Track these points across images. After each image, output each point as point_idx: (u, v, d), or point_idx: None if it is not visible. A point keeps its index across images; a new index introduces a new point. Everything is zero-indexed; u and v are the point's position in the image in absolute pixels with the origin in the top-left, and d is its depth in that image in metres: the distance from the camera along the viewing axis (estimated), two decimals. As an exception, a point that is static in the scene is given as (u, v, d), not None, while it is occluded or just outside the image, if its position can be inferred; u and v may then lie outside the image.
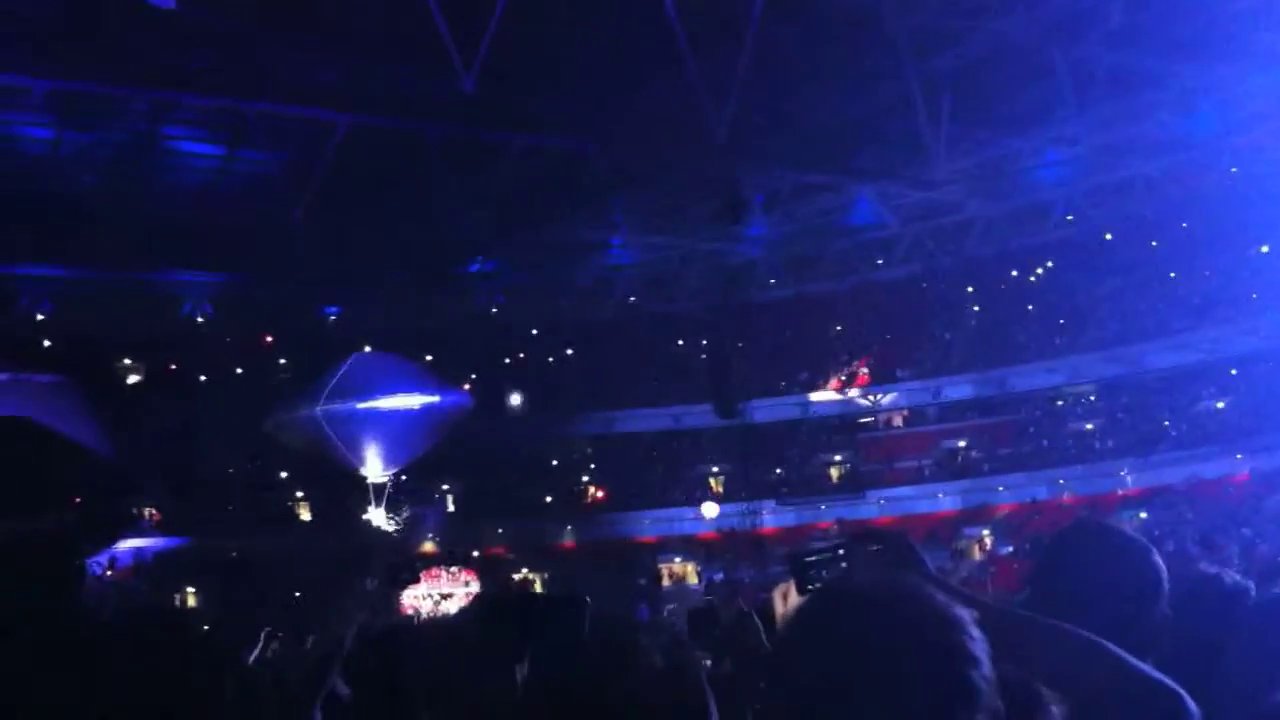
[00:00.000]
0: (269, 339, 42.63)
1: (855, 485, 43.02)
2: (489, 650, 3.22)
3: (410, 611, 28.51)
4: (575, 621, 3.20)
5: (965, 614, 1.44)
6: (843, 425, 45.15)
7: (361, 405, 32.50)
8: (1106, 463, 39.03)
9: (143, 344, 39.48)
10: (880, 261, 45.29)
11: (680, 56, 22.11)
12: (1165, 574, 2.63)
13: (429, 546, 37.32)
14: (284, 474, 39.49)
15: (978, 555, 38.53)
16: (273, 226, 30.24)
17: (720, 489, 44.01)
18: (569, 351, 46.52)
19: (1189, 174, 37.23)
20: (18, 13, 21.83)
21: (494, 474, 39.57)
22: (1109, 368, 40.41)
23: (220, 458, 36.68)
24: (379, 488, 34.75)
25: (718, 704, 3.42)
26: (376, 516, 34.99)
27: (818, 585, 2.00)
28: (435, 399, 33.92)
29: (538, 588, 36.98)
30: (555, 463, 44.04)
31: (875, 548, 2.07)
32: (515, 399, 43.74)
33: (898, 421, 45.47)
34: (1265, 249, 37.87)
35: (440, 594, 31.83)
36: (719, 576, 39.29)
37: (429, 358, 38.30)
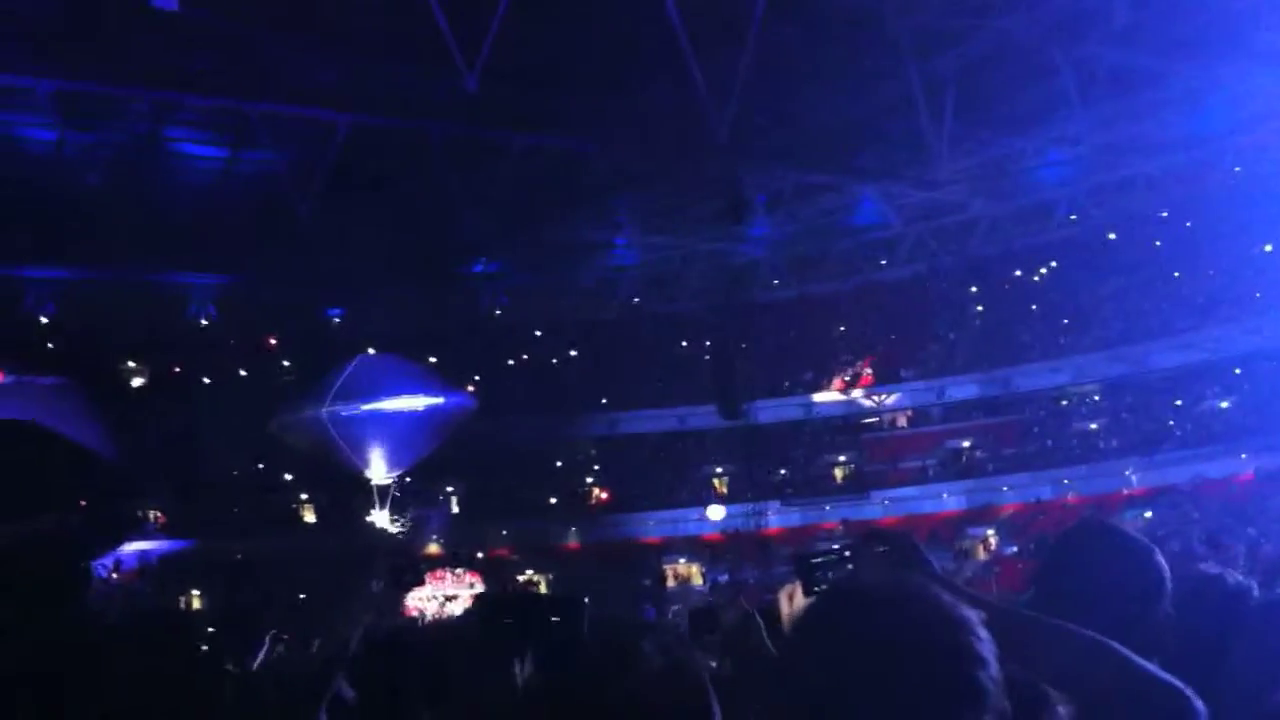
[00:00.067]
0: (273, 341, 42.66)
1: (860, 486, 43.00)
2: (488, 650, 3.23)
3: (415, 613, 28.51)
4: (574, 621, 3.20)
5: (972, 615, 1.44)
6: (847, 426, 45.12)
7: (365, 407, 32.49)
8: (1111, 462, 38.98)
9: (147, 346, 39.51)
10: (884, 261, 45.29)
11: (682, 57, 22.11)
12: (1168, 574, 2.64)
13: (433, 548, 37.33)
14: (288, 476, 39.50)
15: (982, 555, 38.50)
16: (277, 227, 30.25)
17: (725, 490, 44.02)
18: (573, 353, 46.52)
19: (1192, 173, 37.21)
20: (20, 13, 21.86)
21: (498, 475, 39.55)
22: (1113, 367, 40.36)
23: (224, 460, 36.65)
24: (383, 490, 34.75)
25: (721, 705, 3.41)
26: (381, 519, 34.99)
27: (824, 587, 2.00)
28: (439, 401, 33.91)
29: (542, 589, 37.00)
30: (559, 464, 44.02)
31: (881, 549, 2.07)
32: (519, 400, 43.78)
33: (902, 422, 45.44)
34: (1269, 248, 37.83)
35: (445, 596, 31.85)
36: (724, 577, 39.29)
37: (432, 359, 38.29)
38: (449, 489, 40.86)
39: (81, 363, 33.55)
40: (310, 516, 39.83)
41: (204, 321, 41.29)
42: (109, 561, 32.22)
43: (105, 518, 32.95)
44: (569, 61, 23.32)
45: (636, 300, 47.17)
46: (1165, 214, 40.57)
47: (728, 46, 22.33)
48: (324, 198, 28.69)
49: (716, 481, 44.58)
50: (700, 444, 45.14)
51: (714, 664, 4.74)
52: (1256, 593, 3.13)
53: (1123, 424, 40.82)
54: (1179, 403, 39.85)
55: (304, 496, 39.93)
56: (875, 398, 44.43)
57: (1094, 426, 41.56)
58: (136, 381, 40.48)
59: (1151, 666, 1.87)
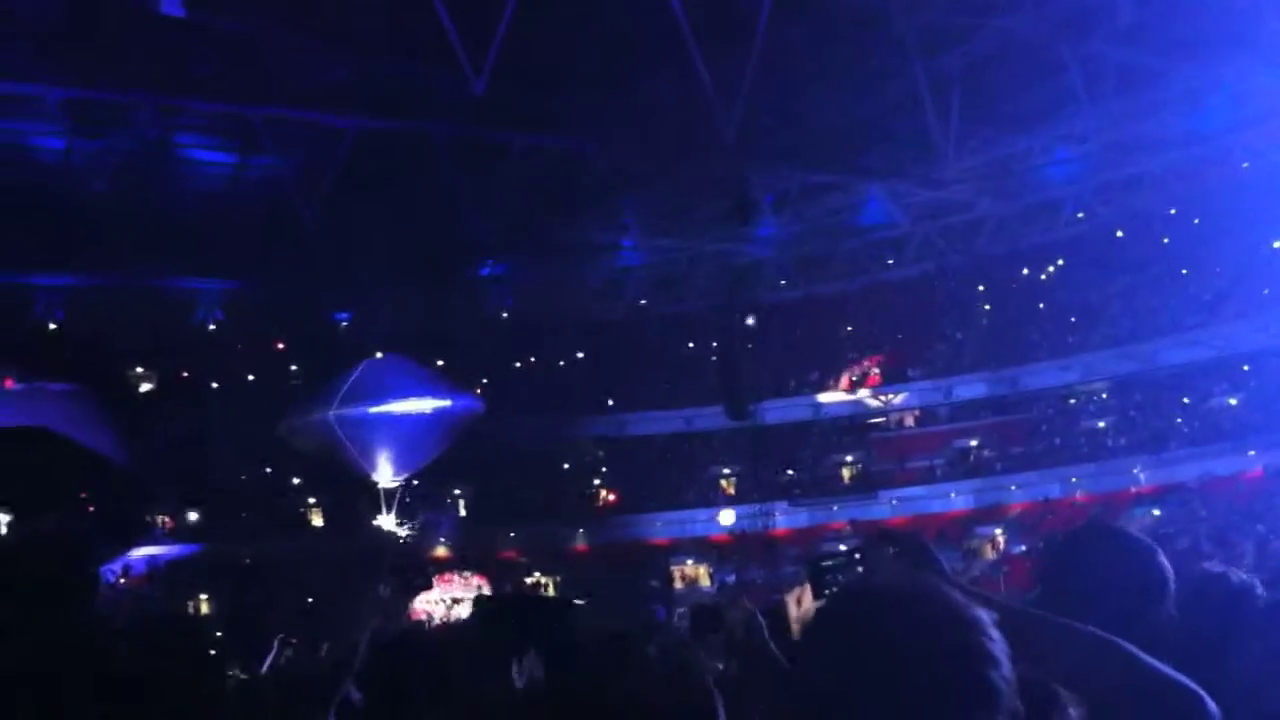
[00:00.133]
0: (280, 345, 42.74)
1: (867, 485, 42.97)
2: (486, 650, 3.23)
3: (423, 617, 28.53)
4: (566, 622, 3.21)
5: (984, 615, 1.43)
6: (854, 426, 45.10)
7: (373, 410, 32.54)
8: (1119, 460, 38.92)
9: (155, 351, 39.62)
10: (891, 261, 45.25)
11: (689, 57, 22.11)
12: (1171, 575, 2.64)
13: (441, 551, 37.36)
14: (296, 480, 39.58)
15: (990, 554, 38.45)
16: (283, 231, 30.31)
17: (732, 491, 44.01)
18: (579, 354, 46.55)
19: (1200, 170, 37.14)
20: (25, 19, 21.94)
21: (505, 478, 39.60)
22: (1121, 365, 40.30)
23: (232, 464, 36.76)
24: (390, 493, 34.79)
25: (726, 706, 3.41)
26: (388, 522, 35.03)
27: (834, 589, 1.99)
28: (446, 403, 33.95)
29: (550, 591, 37.01)
30: (566, 466, 44.04)
31: (892, 551, 2.07)
32: (526, 402, 43.82)
33: (909, 421, 45.38)
34: (1277, 244, 37.76)
35: (452, 599, 31.86)
36: (731, 578, 39.28)
37: (439, 362, 38.34)
38: (456, 491, 40.91)
39: (90, 369, 33.62)
40: (318, 520, 39.90)
41: (211, 326, 41.36)
42: (117, 566, 32.32)
43: (114, 522, 33.04)
44: (575, 62, 23.34)
45: (643, 301, 47.19)
46: (1173, 211, 40.51)
47: (734, 47, 22.33)
48: (330, 201, 28.74)
49: (724, 482, 44.57)
50: (708, 445, 45.15)
51: (720, 665, 4.73)
52: (1260, 591, 3.13)
53: (1131, 422, 40.75)
54: (1187, 400, 39.77)
55: (312, 500, 40.01)
56: (882, 397, 44.40)
57: (1102, 425, 41.49)
58: (145, 387, 40.62)
59: (1163, 666, 1.86)
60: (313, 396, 33.87)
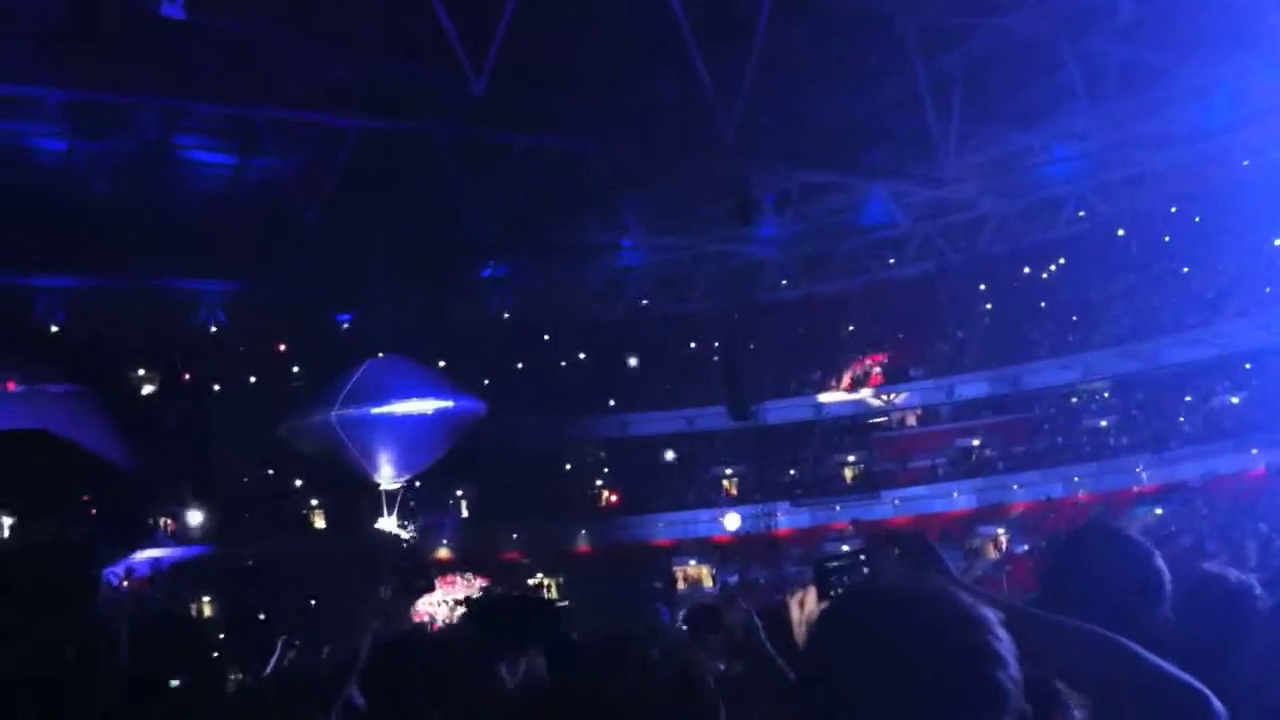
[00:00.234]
0: (282, 347, 42.75)
1: (869, 485, 42.95)
2: (472, 651, 3.23)
3: (425, 618, 28.54)
4: (552, 623, 3.22)
5: (991, 614, 1.43)
6: (856, 425, 45.08)
7: (375, 411, 32.53)
8: (1122, 459, 38.89)
9: (156, 353, 39.63)
10: (892, 260, 45.25)
11: (689, 57, 22.12)
12: (1168, 577, 2.65)
13: (443, 552, 37.35)
14: (299, 482, 39.59)
15: (993, 554, 38.42)
16: (284, 233, 30.33)
17: (734, 491, 43.99)
18: (581, 355, 46.54)
19: (1200, 168, 37.13)
20: (27, 21, 21.96)
21: (507, 478, 39.58)
22: (1123, 364, 40.26)
23: (235, 466, 36.77)
24: (392, 494, 34.79)
25: (726, 706, 3.40)
26: (390, 523, 35.02)
27: (839, 590, 1.98)
28: (449, 404, 33.94)
29: (553, 592, 37.03)
30: (569, 466, 44.04)
31: (896, 551, 2.06)
32: (528, 403, 43.83)
33: (911, 421, 45.36)
34: (1278, 242, 37.74)
35: (455, 600, 31.84)
36: (734, 579, 39.27)
37: (441, 363, 38.34)
38: (458, 492, 40.90)
39: (92, 371, 33.64)
40: (321, 522, 39.90)
41: (213, 328, 41.38)
42: (120, 569, 32.32)
43: (116, 525, 33.05)
44: (575, 62, 23.35)
45: (645, 302, 47.19)
46: (1174, 210, 40.49)
47: (734, 46, 22.33)
48: (331, 202, 28.76)
49: (726, 483, 44.55)
50: (710, 445, 45.13)
51: (721, 666, 4.72)
52: (1259, 591, 3.14)
53: (1133, 421, 40.72)
54: (1189, 399, 39.74)
55: (314, 502, 40.01)
56: (884, 397, 44.38)
57: (1104, 424, 41.46)
58: (147, 389, 40.61)
59: (1169, 666, 1.85)
60: (315, 398, 33.88)
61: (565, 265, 41.46)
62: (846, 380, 44.49)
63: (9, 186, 27.49)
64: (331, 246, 30.92)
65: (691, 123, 24.51)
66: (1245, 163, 36.41)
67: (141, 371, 40.60)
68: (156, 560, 34.77)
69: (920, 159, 29.37)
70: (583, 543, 41.31)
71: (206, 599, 33.81)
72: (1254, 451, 35.30)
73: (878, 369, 44.44)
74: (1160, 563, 2.65)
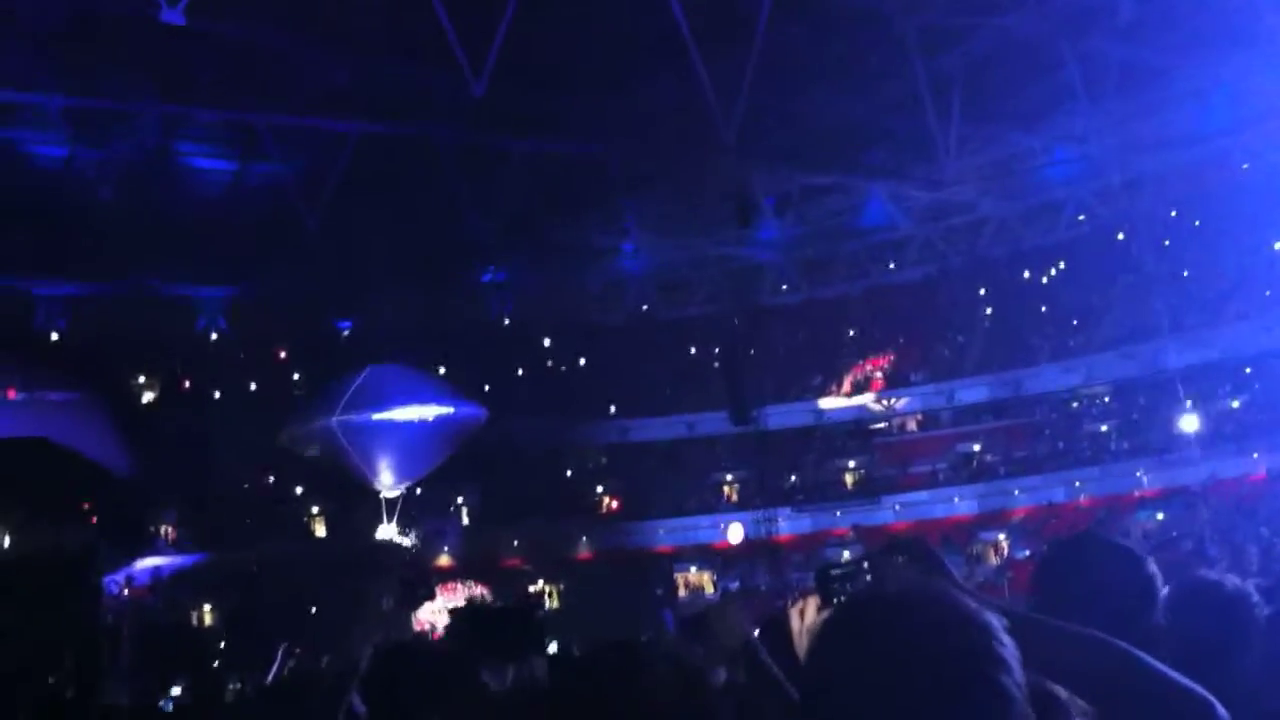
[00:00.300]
0: (282, 353, 42.74)
1: (870, 490, 42.91)
2: (460, 659, 3.24)
3: (426, 627, 28.53)
4: (528, 633, 3.24)
5: (995, 619, 1.42)
6: (857, 430, 45.03)
7: (375, 418, 32.52)
8: (1122, 463, 38.84)
9: (157, 360, 39.61)
10: (892, 264, 45.26)
11: (688, 58, 22.15)
12: (1160, 583, 2.65)
13: (444, 560, 37.32)
14: (299, 489, 39.55)
15: (994, 559, 38.36)
16: (285, 238, 30.36)
17: (735, 496, 43.93)
18: (581, 360, 46.53)
19: (1200, 171, 37.14)
20: (28, 29, 22.00)
21: (508, 484, 39.55)
22: (1123, 368, 40.20)
23: (235, 473, 36.73)
24: (392, 501, 34.77)
25: (731, 714, 3.39)
26: (390, 530, 35.00)
27: (843, 598, 1.98)
28: (449, 410, 33.93)
29: (554, 599, 37.03)
30: (569, 472, 44.01)
31: (900, 559, 2.06)
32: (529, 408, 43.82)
33: (912, 426, 45.32)
34: (1278, 245, 37.74)
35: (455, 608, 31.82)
36: (735, 584, 39.21)
37: (441, 369, 38.33)
38: (459, 499, 40.85)
39: (92, 378, 33.63)
40: (321, 529, 39.86)
41: (214, 335, 41.37)
42: (120, 577, 32.29)
43: (118, 532, 33.03)
44: (574, 65, 23.40)
45: (645, 307, 47.19)
46: (1174, 213, 40.47)
47: (734, 47, 22.36)
48: (332, 208, 28.79)
49: (727, 488, 44.50)
50: (711, 450, 45.05)
51: (722, 674, 4.71)
52: (1256, 598, 3.14)
53: (1134, 425, 40.67)
54: (1190, 403, 39.67)
55: (315, 509, 39.96)
56: (885, 402, 44.35)
57: (1105, 428, 41.42)
58: (147, 396, 40.59)
59: (1173, 673, 1.85)
60: (315, 404, 33.86)
61: (566, 270, 41.50)
62: (847, 385, 44.47)
63: (11, 193, 27.54)
64: (332, 251, 30.95)
65: (692, 124, 24.54)
66: (1245, 166, 36.43)
67: (142, 378, 40.58)
68: (157, 569, 34.73)
69: (920, 160, 29.40)
70: (584, 549, 41.25)
71: (207, 607, 33.76)
72: (1255, 455, 35.26)
73: (879, 373, 44.41)
74: (1153, 568, 2.65)
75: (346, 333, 43.15)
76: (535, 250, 37.42)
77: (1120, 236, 41.85)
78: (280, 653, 5.69)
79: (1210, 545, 25.69)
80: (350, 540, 35.22)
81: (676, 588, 40.41)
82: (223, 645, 28.83)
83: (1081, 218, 41.80)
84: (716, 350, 43.98)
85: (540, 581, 38.20)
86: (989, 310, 45.03)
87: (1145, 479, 37.69)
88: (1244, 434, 36.51)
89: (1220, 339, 37.49)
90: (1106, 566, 2.62)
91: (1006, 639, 1.41)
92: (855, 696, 1.38)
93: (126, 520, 34.02)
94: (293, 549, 35.16)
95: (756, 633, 2.85)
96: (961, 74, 26.40)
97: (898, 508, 41.21)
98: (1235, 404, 38.75)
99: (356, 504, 35.98)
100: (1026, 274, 44.63)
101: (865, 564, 2.03)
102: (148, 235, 30.15)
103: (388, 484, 34.08)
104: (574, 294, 44.62)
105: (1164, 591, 2.71)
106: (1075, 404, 43.05)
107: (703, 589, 40.67)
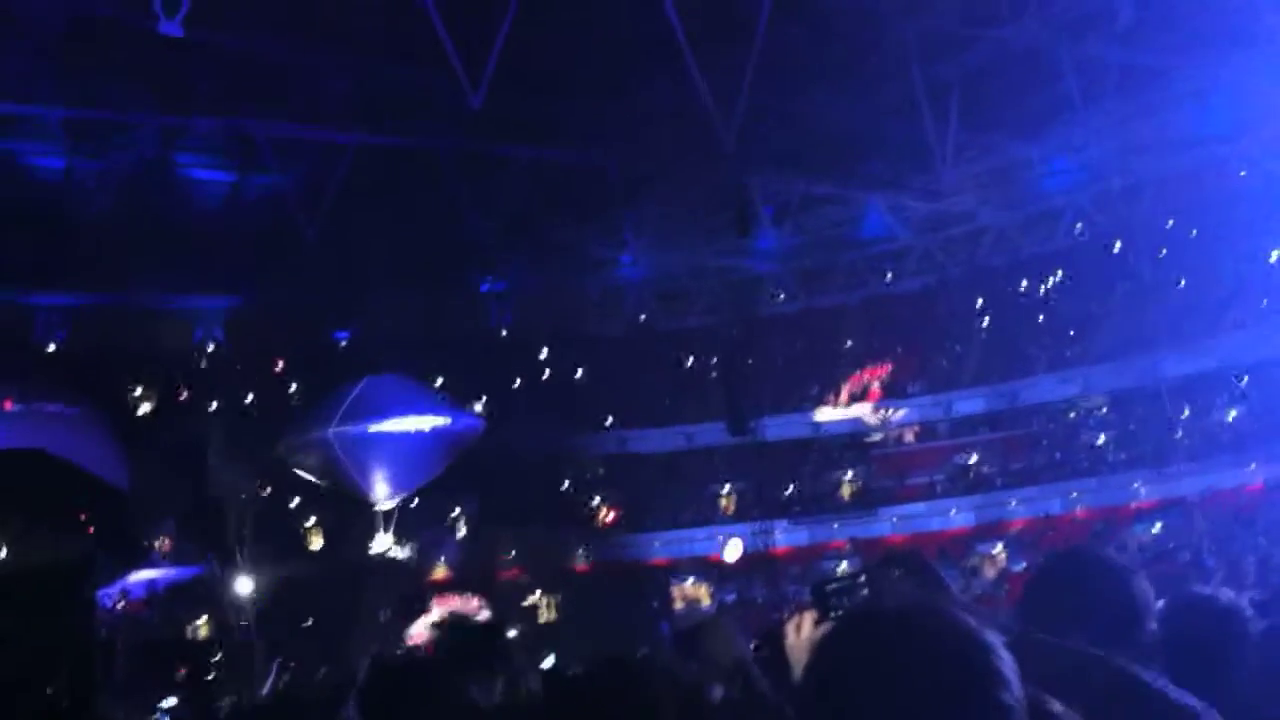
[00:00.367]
0: (280, 364, 42.68)
1: (868, 502, 42.85)
2: (447, 673, 3.24)
3: (422, 639, 28.42)
4: (495, 648, 3.25)
5: (994, 636, 1.42)
6: (854, 441, 44.98)
7: (372, 429, 32.45)
8: (1120, 475, 38.81)
9: (154, 371, 39.55)
10: (890, 274, 45.30)
11: (687, 67, 22.19)
12: (1150, 597, 2.65)
13: (440, 572, 37.23)
14: (296, 500, 39.44)
15: (990, 572, 38.26)
16: (284, 249, 30.37)
17: (733, 508, 43.87)
18: (579, 370, 46.52)
19: (1197, 180, 37.19)
20: (26, 40, 22.04)
21: (505, 496, 39.47)
22: (1121, 378, 40.18)
23: (232, 485, 36.64)
24: (388, 514, 34.68)
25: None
26: (386, 542, 34.90)
27: (840, 612, 1.97)
28: (447, 421, 33.88)
29: (550, 611, 36.96)
30: (567, 483, 43.96)
31: (897, 572, 2.05)
32: (526, 419, 43.75)
33: (909, 437, 45.28)
34: (1276, 254, 37.78)
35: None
36: (731, 597, 39.13)
37: (439, 379, 38.29)
38: (455, 511, 40.77)
39: (89, 389, 33.59)
40: (318, 541, 39.75)
41: (211, 346, 41.33)
42: (115, 590, 32.19)
43: (112, 545, 32.95)
44: (572, 71, 23.45)
45: (643, 317, 47.20)
46: (1171, 222, 40.51)
47: (733, 51, 22.40)
48: (331, 218, 28.81)
49: (724, 500, 44.43)
50: (709, 462, 45.00)
51: (717, 689, 4.69)
52: (1250, 612, 3.14)
53: (1131, 435, 40.64)
54: (1187, 413, 39.66)
55: (312, 520, 39.86)
56: (883, 413, 44.32)
57: (1102, 439, 41.39)
58: (145, 407, 40.51)
59: (1171, 688, 1.85)
60: (312, 416, 33.80)
61: (564, 280, 41.53)
62: (844, 396, 44.45)
63: (9, 204, 27.56)
64: (330, 262, 30.96)
65: (690, 130, 24.57)
66: (1242, 173, 36.48)
67: (140, 390, 40.52)
68: (153, 581, 34.62)
69: (918, 168, 29.44)
70: (581, 561, 41.19)
71: (202, 620, 33.65)
72: (1253, 466, 35.23)
73: (876, 384, 44.39)
74: (1142, 583, 2.66)
75: (344, 343, 43.11)
76: (534, 260, 37.44)
77: (1117, 246, 41.87)
78: (274, 667, 5.67)
79: (1207, 557, 25.71)
80: (348, 552, 35.13)
81: (673, 600, 40.28)
82: (218, 658, 28.73)
83: (1079, 226, 41.80)
84: (715, 361, 43.99)
85: (537, 593, 38.10)
86: (986, 320, 45.04)
87: (1142, 490, 37.66)
88: (1241, 444, 36.49)
89: (1218, 349, 37.48)
90: (1096, 583, 2.62)
91: (1005, 655, 1.40)
92: (854, 714, 1.37)
93: (122, 532, 33.94)
94: (289, 561, 35.07)
95: (752, 646, 2.84)
96: (959, 82, 26.45)
97: (895, 520, 41.16)
98: (1232, 414, 38.73)
99: (353, 516, 35.88)
100: (1024, 283, 44.60)
101: (862, 578, 2.02)
102: (146, 246, 30.16)
103: (383, 495, 33.99)
104: (572, 304, 44.64)
105: (1158, 606, 2.71)
106: (1072, 414, 43.03)
107: (699, 601, 40.57)
